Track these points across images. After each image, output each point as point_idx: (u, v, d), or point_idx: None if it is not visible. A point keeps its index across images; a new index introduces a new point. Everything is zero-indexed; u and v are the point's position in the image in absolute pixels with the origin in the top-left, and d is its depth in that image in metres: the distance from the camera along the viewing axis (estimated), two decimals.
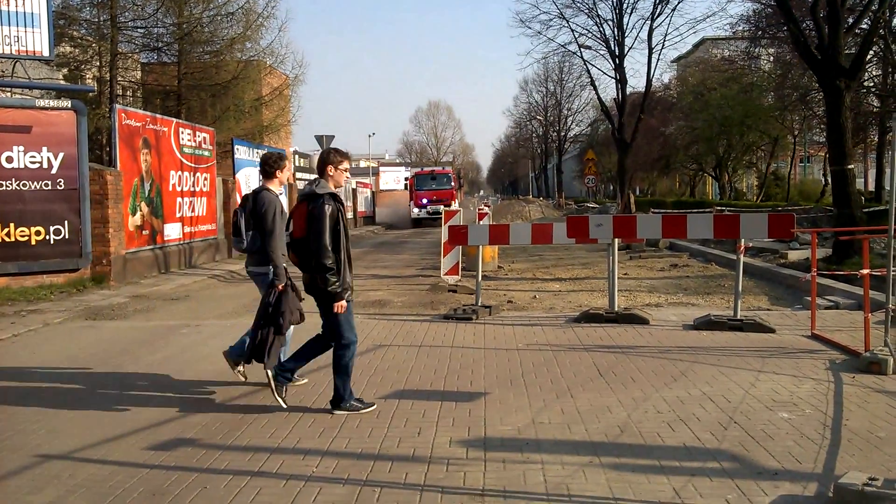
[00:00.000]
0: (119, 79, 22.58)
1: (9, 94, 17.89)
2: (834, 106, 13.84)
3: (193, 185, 18.11)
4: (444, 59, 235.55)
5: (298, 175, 29.32)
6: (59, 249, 13.08)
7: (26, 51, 13.17)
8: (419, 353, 7.63)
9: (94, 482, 4.47)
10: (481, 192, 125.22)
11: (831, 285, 10.85)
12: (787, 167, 40.58)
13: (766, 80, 33.32)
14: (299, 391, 6.32)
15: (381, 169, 61.90)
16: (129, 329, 9.82)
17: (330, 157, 5.72)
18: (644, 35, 31.77)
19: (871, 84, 26.79)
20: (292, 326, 6.22)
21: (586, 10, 32.81)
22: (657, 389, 6.10)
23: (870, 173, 39.91)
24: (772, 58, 32.94)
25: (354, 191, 42.70)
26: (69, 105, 13.35)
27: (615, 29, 32.41)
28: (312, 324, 6.20)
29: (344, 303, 5.57)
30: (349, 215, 39.82)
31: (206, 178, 18.92)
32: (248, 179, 22.34)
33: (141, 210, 15.39)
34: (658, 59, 33.93)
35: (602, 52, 33.85)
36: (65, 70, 23.08)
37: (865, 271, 7.13)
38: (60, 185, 13.04)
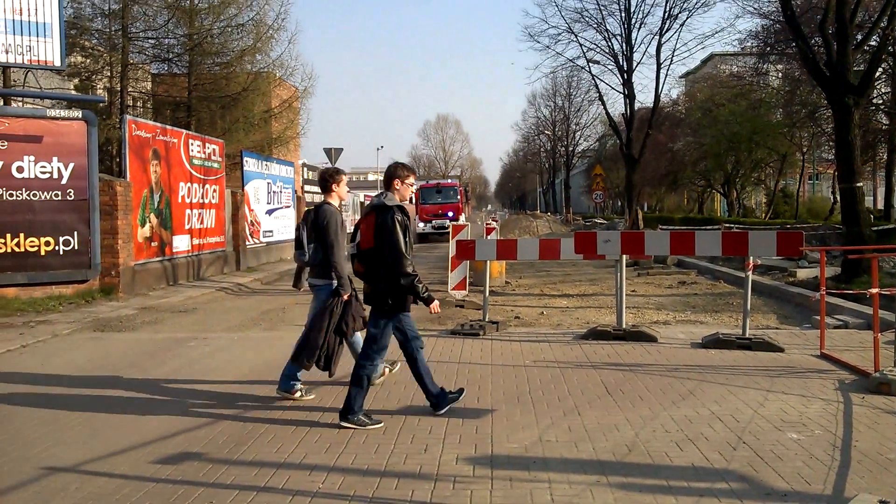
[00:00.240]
0: (130, 89, 22.73)
1: (20, 103, 18.03)
2: (843, 123, 13.82)
3: (202, 197, 18.17)
4: (452, 73, 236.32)
5: (307, 188, 29.33)
6: (69, 260, 13.13)
7: (38, 60, 13.28)
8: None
9: (101, 495, 4.47)
10: (489, 207, 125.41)
11: (840, 304, 10.80)
12: (796, 184, 40.48)
13: (775, 97, 33.29)
14: (309, 405, 6.32)
15: None
16: (137, 341, 9.84)
17: (397, 171, 5.93)
18: (652, 50, 31.89)
19: (880, 101, 26.76)
20: (358, 334, 6.52)
21: (595, 25, 32.96)
22: (665, 408, 6.07)
23: (879, 191, 39.74)
24: (780, 74, 32.91)
25: (362, 204, 42.69)
26: (80, 115, 13.44)
27: (623, 44, 32.51)
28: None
29: (437, 304, 5.82)
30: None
31: (215, 190, 18.98)
32: (257, 192, 22.43)
33: (150, 221, 15.44)
34: (666, 75, 33.98)
35: (610, 67, 33.93)
36: (76, 80, 23.25)
37: (875, 290, 7.10)
38: (70, 196, 13.10)
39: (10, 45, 12.90)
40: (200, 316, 12.46)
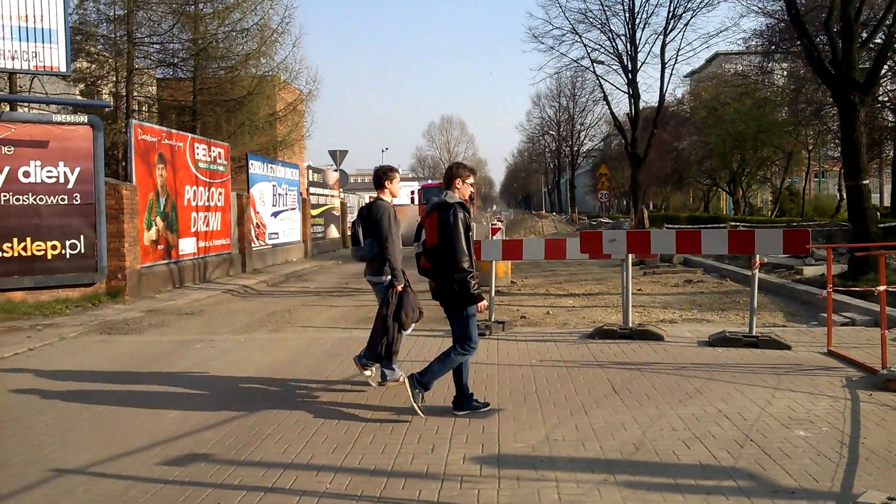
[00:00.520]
0: (135, 94, 22.81)
1: (26, 109, 18.11)
2: (848, 121, 13.78)
3: (208, 200, 18.21)
4: (456, 74, 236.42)
5: (312, 190, 29.38)
6: (75, 264, 13.17)
7: (44, 66, 13.31)
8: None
9: (108, 497, 4.48)
10: (494, 207, 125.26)
11: (847, 301, 10.77)
12: (802, 182, 40.42)
13: (780, 95, 33.23)
14: (310, 410, 6.33)
15: None
16: (143, 343, 9.86)
17: (459, 171, 6.12)
18: (657, 50, 31.74)
19: (886, 99, 26.68)
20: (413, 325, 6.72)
21: (599, 26, 32.86)
22: (672, 406, 6.06)
23: (885, 188, 39.64)
24: (785, 72, 32.85)
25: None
26: (85, 120, 13.49)
27: (628, 44, 32.42)
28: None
29: (485, 303, 5.93)
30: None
31: (220, 193, 19.02)
32: (263, 194, 22.47)
33: (156, 225, 15.48)
34: (671, 74, 33.97)
35: (615, 67, 33.81)
36: (81, 85, 23.37)
37: (882, 287, 7.07)
38: (76, 200, 13.15)
39: (16, 51, 12.95)
40: (206, 318, 12.48)
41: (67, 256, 13.07)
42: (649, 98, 43.42)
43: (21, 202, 12.65)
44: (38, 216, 12.81)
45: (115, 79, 22.89)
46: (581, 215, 64.37)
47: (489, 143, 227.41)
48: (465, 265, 5.69)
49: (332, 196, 32.48)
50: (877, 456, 4.85)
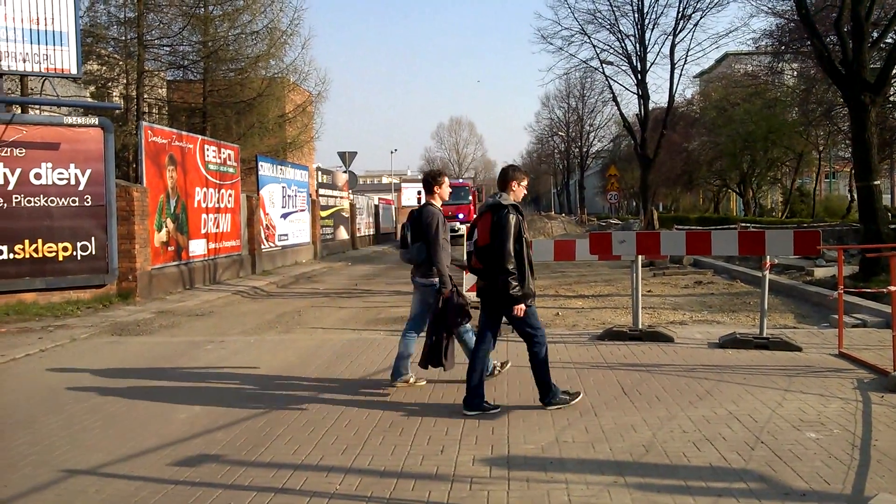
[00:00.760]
0: (145, 96, 22.91)
1: (37, 111, 18.22)
2: (859, 121, 13.73)
3: (218, 202, 18.28)
4: (465, 74, 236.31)
5: (321, 192, 29.44)
6: (86, 265, 13.24)
7: (55, 69, 13.39)
8: (441, 370, 7.62)
9: (120, 497, 4.50)
10: None
11: (858, 303, 10.72)
12: (812, 183, 40.23)
13: (790, 96, 33.10)
14: (320, 411, 6.34)
15: (404, 185, 61.96)
16: (154, 345, 9.90)
17: (515, 173, 6.25)
18: (666, 50, 31.87)
19: None
20: (470, 330, 6.81)
21: (608, 26, 32.88)
22: (682, 408, 6.04)
23: None
24: (795, 73, 32.71)
25: (377, 207, 42.75)
26: (96, 122, 13.56)
27: (637, 44, 32.41)
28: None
29: (523, 306, 5.95)
30: (370, 231, 39.86)
31: (230, 195, 19.09)
32: (272, 196, 22.53)
33: (166, 226, 15.55)
34: (680, 75, 33.80)
35: (624, 68, 33.80)
36: (92, 87, 23.49)
37: (893, 288, 7.03)
38: (87, 202, 13.22)
39: (27, 53, 13.03)
40: (217, 319, 12.52)
41: (78, 258, 13.14)
42: (659, 99, 43.53)
43: (32, 204, 12.73)
44: (50, 218, 12.88)
45: (125, 81, 23.01)
46: (590, 216, 64.24)
47: (498, 144, 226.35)
48: (510, 266, 5.78)
49: (341, 197, 32.54)
50: (888, 458, 4.82)
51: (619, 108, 36.10)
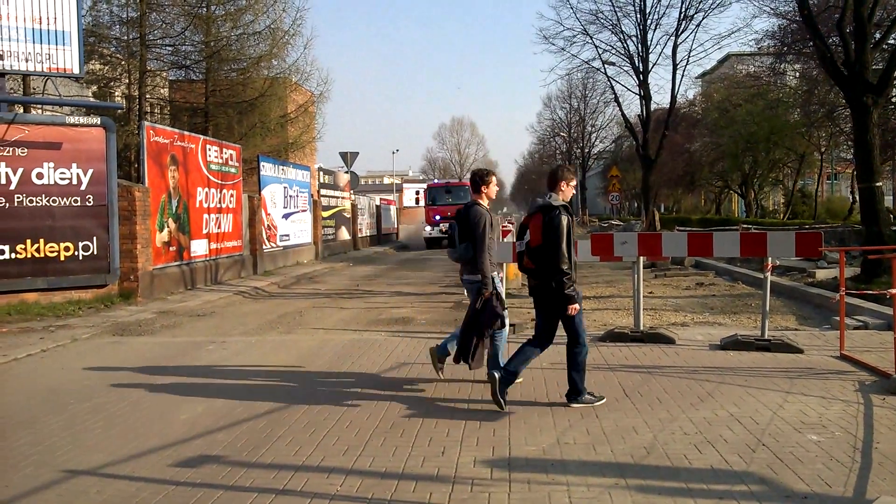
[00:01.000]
0: (147, 96, 22.94)
1: (40, 111, 18.24)
2: (861, 122, 13.71)
3: (220, 202, 18.28)
4: (467, 75, 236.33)
5: (323, 192, 29.43)
6: (88, 265, 13.25)
7: (57, 68, 13.39)
8: (440, 372, 7.62)
9: (121, 498, 4.50)
10: (504, 209, 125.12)
11: (860, 305, 10.71)
12: (814, 184, 40.21)
13: (792, 97, 33.09)
14: (321, 412, 6.34)
15: (405, 185, 61.91)
16: (155, 345, 9.90)
17: (564, 174, 6.31)
18: (668, 51, 31.71)
19: None
20: (506, 331, 6.85)
21: (610, 27, 32.84)
22: (684, 410, 6.04)
23: None
24: (797, 74, 32.69)
25: (378, 207, 42.72)
26: (98, 122, 13.56)
27: (639, 45, 32.38)
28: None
29: (577, 305, 6.06)
30: (372, 232, 39.84)
31: (232, 195, 19.10)
32: (274, 196, 22.53)
33: (168, 226, 15.55)
34: (682, 75, 33.87)
35: (626, 69, 33.76)
36: (94, 87, 23.52)
37: (895, 291, 7.03)
38: (89, 202, 13.23)
39: (29, 53, 13.04)
40: (218, 320, 12.53)
41: (80, 258, 13.14)
42: (661, 99, 43.56)
43: (34, 203, 12.74)
44: (52, 217, 12.89)
45: (127, 81, 23.04)
46: (592, 217, 64.28)
47: (500, 144, 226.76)
48: (565, 267, 5.90)
49: (342, 198, 32.53)
50: (890, 461, 4.82)
51: (620, 109, 36.02)
